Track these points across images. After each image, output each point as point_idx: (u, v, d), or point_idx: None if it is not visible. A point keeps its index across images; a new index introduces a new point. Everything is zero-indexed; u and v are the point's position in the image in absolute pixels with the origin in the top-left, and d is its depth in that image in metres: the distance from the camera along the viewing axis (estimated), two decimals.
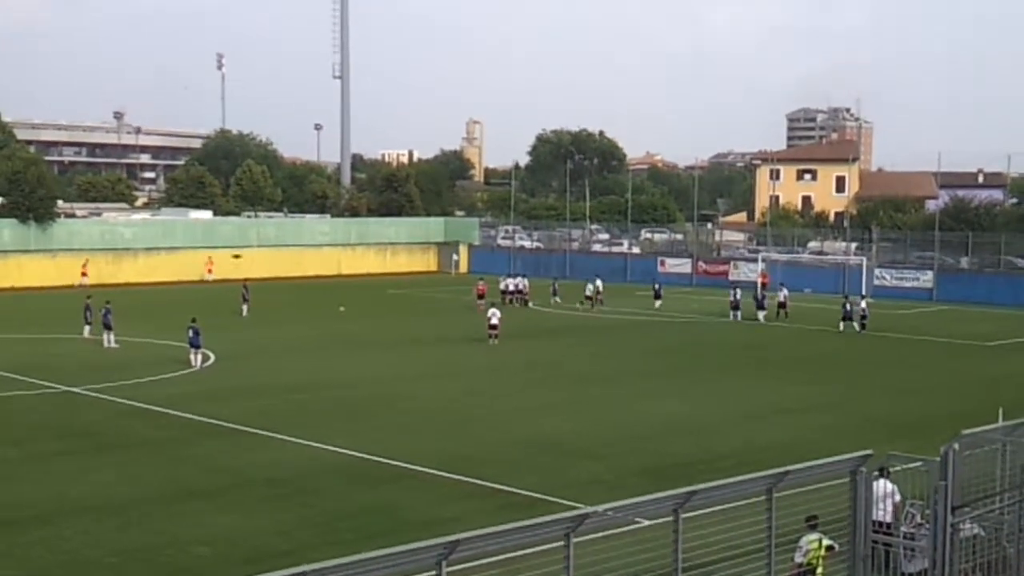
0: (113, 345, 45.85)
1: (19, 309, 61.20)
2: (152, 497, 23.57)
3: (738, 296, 61.07)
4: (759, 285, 66.68)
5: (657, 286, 67.14)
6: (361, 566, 11.21)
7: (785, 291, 61.60)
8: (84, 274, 75.43)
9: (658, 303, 64.89)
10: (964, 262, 77.89)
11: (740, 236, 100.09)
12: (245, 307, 59.09)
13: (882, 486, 17.42)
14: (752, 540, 15.10)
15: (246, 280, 64.75)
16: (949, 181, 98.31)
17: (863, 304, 57.22)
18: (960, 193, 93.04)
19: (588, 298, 65.32)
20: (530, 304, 65.79)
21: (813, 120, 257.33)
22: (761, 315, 59.36)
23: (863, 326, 55.35)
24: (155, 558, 19.62)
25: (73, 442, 29.06)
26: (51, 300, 64.77)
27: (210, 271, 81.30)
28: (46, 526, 21.55)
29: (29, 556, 19.77)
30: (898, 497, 17.97)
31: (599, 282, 67.14)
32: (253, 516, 22.33)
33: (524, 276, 70.37)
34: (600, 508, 13.77)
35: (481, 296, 62.17)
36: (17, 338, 48.99)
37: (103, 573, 18.88)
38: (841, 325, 55.48)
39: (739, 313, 60.16)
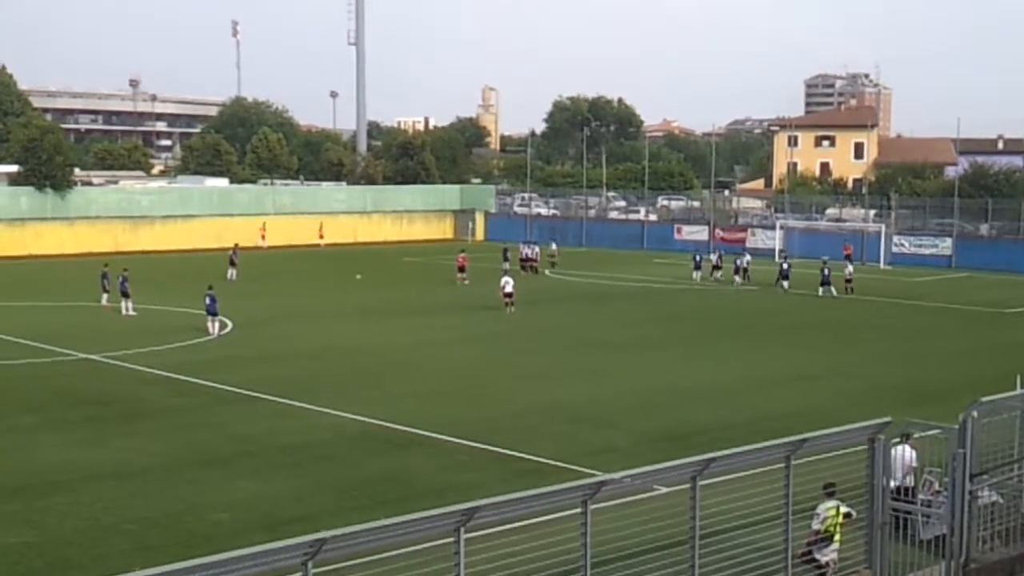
0: (131, 313, 45.97)
1: (37, 277, 61.40)
2: (170, 464, 23.66)
3: (737, 261, 61.77)
4: (845, 257, 65.20)
5: (715, 256, 65.43)
6: (380, 532, 11.23)
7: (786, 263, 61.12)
8: (263, 236, 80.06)
9: (719, 273, 63.09)
10: (983, 229, 77.46)
11: (758, 203, 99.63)
12: (233, 271, 59.20)
13: (900, 453, 17.38)
14: (770, 508, 15.07)
15: (236, 246, 64.38)
16: (968, 147, 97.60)
17: (785, 264, 58.76)
18: (980, 159, 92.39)
19: (736, 270, 61.50)
20: (547, 272, 65.73)
21: (831, 86, 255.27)
22: (823, 290, 55.73)
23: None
24: (173, 524, 19.69)
25: (91, 409, 29.17)
26: (69, 268, 64.90)
27: (322, 236, 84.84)
28: (63, 492, 21.63)
29: (46, 522, 19.85)
30: (916, 464, 17.93)
31: (554, 246, 71.80)
32: (270, 483, 22.40)
33: (536, 244, 70.53)
34: (618, 475, 13.79)
35: (462, 269, 60.28)
36: (35, 306, 49.19)
37: (121, 539, 18.94)
38: (820, 290, 55.97)
39: (719, 274, 62.04)
